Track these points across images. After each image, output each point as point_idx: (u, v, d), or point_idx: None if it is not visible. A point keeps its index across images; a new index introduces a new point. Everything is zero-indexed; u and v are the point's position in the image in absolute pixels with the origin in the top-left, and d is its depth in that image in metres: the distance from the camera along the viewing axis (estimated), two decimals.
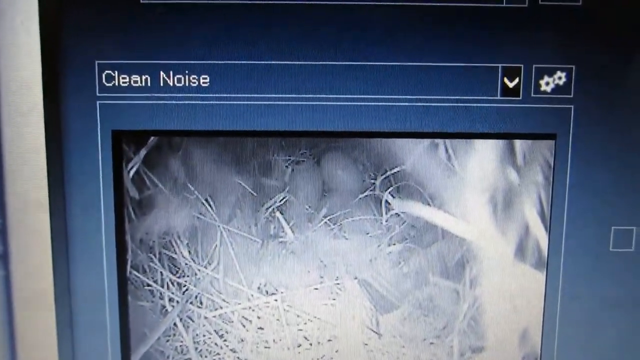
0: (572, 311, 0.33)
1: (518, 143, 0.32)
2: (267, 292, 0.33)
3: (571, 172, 0.32)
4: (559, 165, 0.32)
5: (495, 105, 0.31)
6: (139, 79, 0.31)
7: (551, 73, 0.31)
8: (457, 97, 0.31)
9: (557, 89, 0.31)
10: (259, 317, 0.33)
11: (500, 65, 0.31)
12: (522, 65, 0.31)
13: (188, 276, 0.33)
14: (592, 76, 0.31)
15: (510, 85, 0.31)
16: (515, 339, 0.34)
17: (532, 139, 0.32)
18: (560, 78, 0.31)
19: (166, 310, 0.33)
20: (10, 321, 0.32)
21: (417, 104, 0.31)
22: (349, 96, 0.31)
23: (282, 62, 0.31)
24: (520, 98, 0.31)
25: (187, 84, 0.31)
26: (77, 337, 0.33)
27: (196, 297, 0.33)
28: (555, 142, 0.32)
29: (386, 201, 0.32)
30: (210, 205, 0.32)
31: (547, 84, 0.31)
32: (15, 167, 0.31)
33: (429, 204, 0.33)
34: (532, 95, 0.31)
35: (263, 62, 0.31)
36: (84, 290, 0.32)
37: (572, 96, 0.31)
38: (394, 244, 0.33)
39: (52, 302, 0.32)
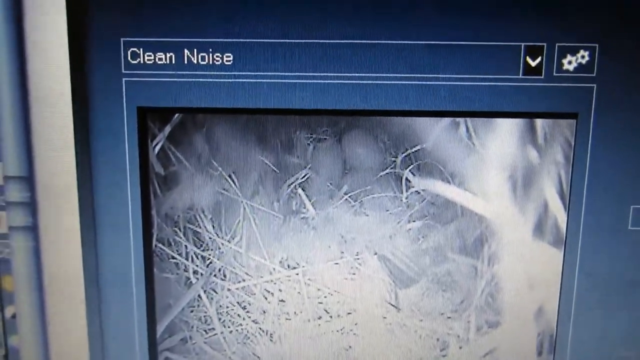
0: (589, 289, 0.33)
1: (539, 122, 0.32)
2: (288, 266, 0.34)
3: (591, 152, 0.32)
4: (580, 144, 0.32)
5: (517, 84, 0.31)
6: (163, 56, 0.31)
7: (574, 52, 0.31)
8: (479, 76, 0.31)
9: (580, 67, 0.31)
10: (280, 290, 0.34)
11: (522, 44, 0.31)
12: (544, 44, 0.31)
13: (212, 250, 0.34)
14: (615, 55, 0.31)
15: (533, 64, 0.31)
16: (532, 316, 0.34)
17: (554, 118, 0.32)
18: (583, 57, 0.31)
19: (190, 282, 0.34)
20: (41, 295, 0.34)
21: (438, 82, 0.31)
22: (371, 75, 0.31)
23: (304, 41, 0.31)
24: (543, 77, 0.31)
25: (210, 62, 0.31)
26: (104, 307, 0.34)
27: (220, 270, 0.34)
28: (577, 122, 0.32)
29: (406, 179, 0.33)
30: (233, 181, 0.33)
31: (569, 62, 0.31)
32: (43, 142, 0.32)
33: (449, 182, 0.33)
34: (555, 74, 0.31)
35: (286, 41, 0.31)
36: (112, 262, 0.33)
37: (594, 75, 0.31)
38: (414, 221, 0.33)
39: (80, 273, 0.33)
